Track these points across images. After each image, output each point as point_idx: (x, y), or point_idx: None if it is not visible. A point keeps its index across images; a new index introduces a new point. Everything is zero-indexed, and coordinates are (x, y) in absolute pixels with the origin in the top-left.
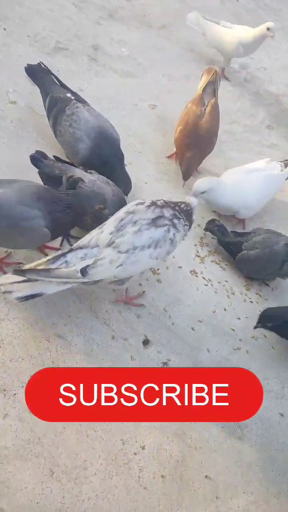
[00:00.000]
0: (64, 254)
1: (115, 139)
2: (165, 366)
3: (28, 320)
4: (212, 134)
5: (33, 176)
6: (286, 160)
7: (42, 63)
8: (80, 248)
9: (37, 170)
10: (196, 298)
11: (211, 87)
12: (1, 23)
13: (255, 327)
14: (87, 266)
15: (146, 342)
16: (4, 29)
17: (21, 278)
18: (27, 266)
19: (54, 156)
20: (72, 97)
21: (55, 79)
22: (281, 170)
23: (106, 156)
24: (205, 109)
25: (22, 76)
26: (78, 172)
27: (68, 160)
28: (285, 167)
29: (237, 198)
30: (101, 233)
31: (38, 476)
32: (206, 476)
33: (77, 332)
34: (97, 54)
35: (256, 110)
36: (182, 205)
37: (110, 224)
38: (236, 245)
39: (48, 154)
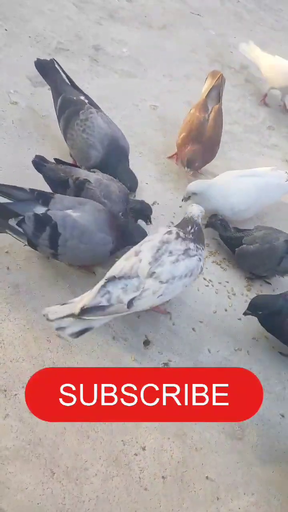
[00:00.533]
0: (105, 285)
1: (126, 148)
2: (165, 366)
3: (29, 320)
4: (215, 143)
5: (33, 176)
6: None
7: (55, 60)
8: (119, 278)
9: (41, 173)
10: (197, 299)
11: (216, 92)
12: (2, 23)
13: (245, 314)
14: (133, 298)
15: (146, 343)
16: (5, 29)
17: (68, 312)
18: (79, 305)
19: (55, 159)
20: (86, 101)
21: (66, 79)
22: (286, 180)
23: (115, 164)
24: (209, 116)
25: (23, 77)
26: (83, 173)
27: (70, 162)
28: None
29: (223, 202)
30: (140, 262)
31: (39, 477)
32: (206, 477)
33: None
34: (98, 55)
35: (257, 110)
36: (193, 228)
37: (147, 252)
38: (237, 239)
39: (50, 154)
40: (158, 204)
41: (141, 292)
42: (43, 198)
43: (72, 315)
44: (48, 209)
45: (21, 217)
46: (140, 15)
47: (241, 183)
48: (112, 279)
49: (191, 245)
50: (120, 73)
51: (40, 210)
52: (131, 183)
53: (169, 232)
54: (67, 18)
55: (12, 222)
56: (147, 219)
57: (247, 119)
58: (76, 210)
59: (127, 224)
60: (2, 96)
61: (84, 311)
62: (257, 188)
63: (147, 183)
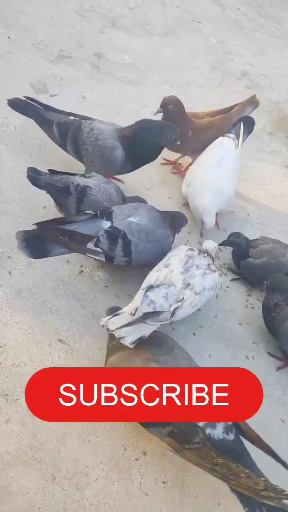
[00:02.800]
0: (146, 293)
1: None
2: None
3: (31, 325)
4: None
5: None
6: (231, 129)
7: (28, 97)
8: (158, 286)
9: (38, 187)
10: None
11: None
12: (5, 31)
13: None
14: (176, 308)
15: None
16: (9, 37)
17: (124, 322)
18: (133, 311)
19: (49, 170)
20: (77, 118)
21: (41, 107)
22: (235, 146)
23: (142, 139)
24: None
25: (26, 84)
26: (81, 180)
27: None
28: (236, 139)
29: (222, 202)
30: (172, 272)
31: (40, 481)
32: (207, 482)
33: (79, 337)
34: (100, 62)
35: (257, 116)
36: (209, 254)
37: (176, 264)
38: (244, 253)
39: (51, 160)
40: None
41: (182, 302)
42: (106, 214)
43: (130, 324)
44: (113, 222)
45: (96, 237)
46: (142, 23)
47: (221, 176)
48: (150, 288)
49: (211, 261)
50: (122, 80)
51: (107, 225)
52: (173, 133)
53: (191, 249)
54: (70, 26)
55: (90, 245)
56: None
57: None
58: (134, 216)
59: (172, 214)
60: (5, 102)
61: (145, 316)
62: (231, 170)
63: (148, 189)
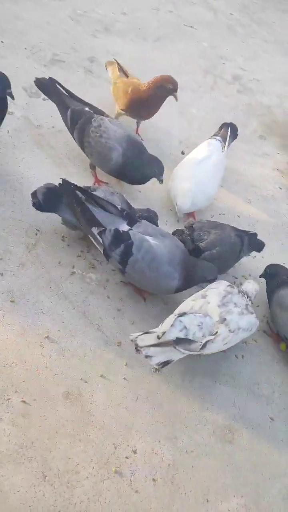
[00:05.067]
0: (179, 318)
1: (141, 143)
2: (157, 371)
3: (22, 326)
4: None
5: (26, 185)
6: (218, 133)
7: (53, 78)
8: (193, 313)
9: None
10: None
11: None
12: None
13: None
14: (208, 341)
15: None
16: (2, 41)
17: (154, 341)
18: (159, 333)
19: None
20: (91, 111)
21: (67, 94)
22: (222, 148)
23: (138, 158)
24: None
25: (19, 88)
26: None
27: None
28: (223, 141)
29: (204, 199)
30: (208, 304)
31: (31, 480)
32: (197, 480)
33: (71, 338)
34: (93, 66)
35: (249, 120)
36: (248, 297)
37: (214, 296)
38: (195, 250)
39: (43, 163)
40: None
41: (215, 337)
42: (130, 220)
43: (159, 345)
44: (131, 229)
45: (103, 228)
46: (135, 28)
47: (204, 172)
48: (184, 314)
49: (249, 303)
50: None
51: (123, 227)
52: (158, 169)
53: (231, 286)
54: (63, 30)
55: (95, 230)
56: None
57: (239, 128)
58: (156, 239)
59: (201, 265)
60: None
61: (177, 341)
62: (215, 170)
63: (140, 191)
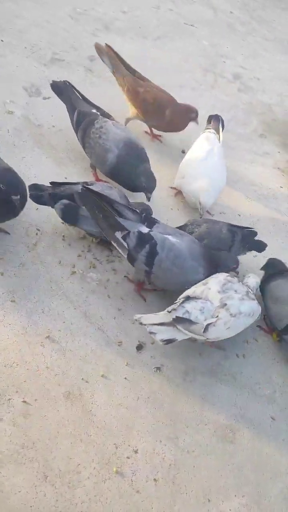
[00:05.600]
0: (183, 303)
1: (142, 150)
2: (158, 371)
3: (23, 325)
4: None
5: (26, 183)
6: (209, 126)
7: (68, 82)
8: (195, 299)
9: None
10: None
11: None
12: None
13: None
14: (209, 324)
15: (139, 347)
16: (2, 40)
17: (158, 321)
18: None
19: (51, 182)
20: (98, 113)
21: (79, 95)
22: (218, 139)
23: (132, 164)
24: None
25: (19, 87)
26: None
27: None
28: (217, 133)
29: (216, 192)
30: (209, 289)
31: (32, 480)
32: (198, 479)
33: (71, 338)
34: (93, 65)
35: (249, 119)
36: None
37: (215, 284)
38: None
39: (43, 163)
40: (152, 210)
41: (216, 320)
42: (148, 222)
43: (163, 324)
44: (151, 230)
45: (127, 231)
46: (135, 26)
47: (213, 166)
48: (187, 298)
49: (250, 291)
50: (114, 83)
51: (144, 229)
52: (147, 184)
53: (232, 276)
54: (63, 29)
55: (118, 235)
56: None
57: (239, 127)
58: (175, 237)
59: (222, 256)
60: None
61: (177, 320)
62: (220, 161)
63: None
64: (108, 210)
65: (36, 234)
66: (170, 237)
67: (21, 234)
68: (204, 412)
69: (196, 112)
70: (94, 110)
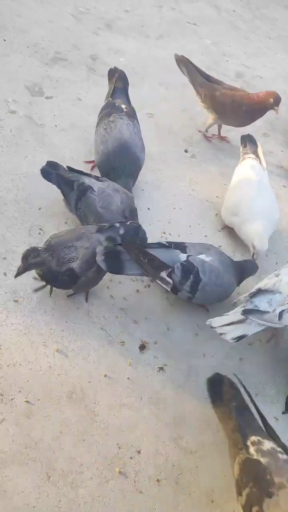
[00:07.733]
0: (251, 299)
1: (138, 159)
2: (161, 371)
3: (26, 326)
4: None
5: (30, 183)
6: (247, 151)
7: (69, 167)
8: (264, 292)
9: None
10: (191, 304)
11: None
12: (1, 34)
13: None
14: (283, 311)
15: (142, 347)
16: (4, 39)
17: (227, 321)
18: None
19: (68, 167)
20: (125, 110)
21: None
22: (263, 169)
23: (115, 164)
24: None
25: (21, 86)
26: (89, 181)
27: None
28: (257, 157)
29: (273, 225)
30: (281, 281)
31: (35, 480)
32: (201, 480)
33: (74, 338)
34: (95, 64)
35: None
36: None
37: (285, 274)
38: None
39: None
40: (153, 210)
41: None
42: (180, 248)
43: (232, 323)
44: (189, 255)
45: (171, 268)
46: (137, 25)
47: (266, 202)
48: (258, 291)
49: None
50: None
51: (183, 258)
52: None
53: None
54: (65, 28)
55: (163, 274)
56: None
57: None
58: (208, 255)
59: (243, 264)
60: (1, 105)
61: (247, 312)
62: (270, 192)
63: (143, 190)
64: (152, 254)
65: (39, 233)
66: (204, 257)
67: (24, 234)
68: (208, 412)
69: (276, 100)
70: (123, 106)
